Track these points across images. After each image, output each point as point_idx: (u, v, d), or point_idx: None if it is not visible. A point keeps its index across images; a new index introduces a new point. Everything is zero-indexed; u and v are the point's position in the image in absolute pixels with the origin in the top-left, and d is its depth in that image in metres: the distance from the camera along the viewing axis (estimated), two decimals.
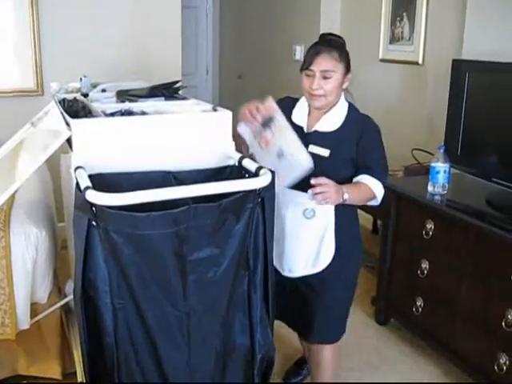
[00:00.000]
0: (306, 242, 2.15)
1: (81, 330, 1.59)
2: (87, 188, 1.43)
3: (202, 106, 2.10)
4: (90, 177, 1.54)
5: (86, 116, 1.93)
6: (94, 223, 1.47)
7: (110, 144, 1.72)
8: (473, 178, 2.92)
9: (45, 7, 3.83)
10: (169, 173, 1.75)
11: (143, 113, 1.94)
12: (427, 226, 2.78)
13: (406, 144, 3.64)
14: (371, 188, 2.11)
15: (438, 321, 2.79)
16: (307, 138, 2.13)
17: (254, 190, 1.59)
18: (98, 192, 1.41)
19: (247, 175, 1.72)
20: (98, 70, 3.38)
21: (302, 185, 1.97)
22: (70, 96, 2.34)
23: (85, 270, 1.53)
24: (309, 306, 2.23)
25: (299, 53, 4.93)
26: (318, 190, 1.90)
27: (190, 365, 1.62)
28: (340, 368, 2.58)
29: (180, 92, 2.31)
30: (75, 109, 2.07)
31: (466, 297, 2.62)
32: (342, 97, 2.20)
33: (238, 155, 1.77)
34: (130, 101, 2.18)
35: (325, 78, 2.08)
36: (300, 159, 1.97)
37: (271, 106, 2.03)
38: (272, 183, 1.63)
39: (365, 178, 2.11)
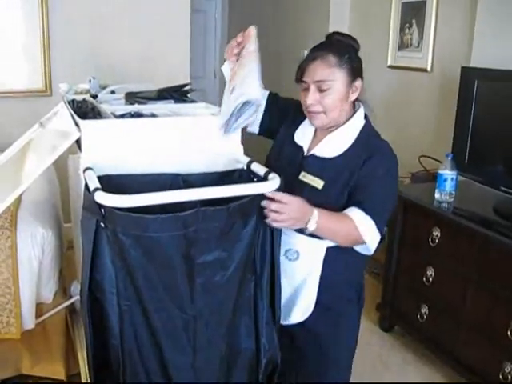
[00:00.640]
0: (283, 287, 1.72)
1: (86, 331, 1.59)
2: (96, 189, 1.43)
3: (211, 109, 2.10)
4: (99, 178, 1.54)
5: (95, 117, 1.93)
6: (102, 224, 1.47)
7: (120, 146, 1.71)
8: (480, 186, 2.91)
9: (54, 8, 3.86)
10: (178, 175, 1.75)
11: (153, 115, 1.94)
12: (433, 233, 2.77)
13: (413, 151, 3.63)
14: (356, 224, 1.65)
15: (443, 328, 2.78)
16: (302, 162, 1.80)
17: (262, 194, 1.59)
18: (108, 193, 1.41)
19: (256, 179, 1.72)
20: (106, 72, 3.39)
21: None
22: (79, 97, 2.35)
23: (92, 271, 1.53)
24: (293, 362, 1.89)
25: None
26: (272, 206, 1.54)
27: (195, 368, 1.62)
28: None
29: (189, 95, 2.31)
30: (84, 110, 2.08)
31: (470, 305, 2.61)
32: (359, 112, 1.80)
33: (247, 159, 1.76)
34: (140, 103, 2.18)
35: (321, 90, 1.71)
36: (244, 89, 1.62)
37: (249, 34, 1.73)
38: (280, 187, 1.62)
39: (351, 211, 1.68)
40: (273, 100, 2.00)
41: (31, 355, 2.42)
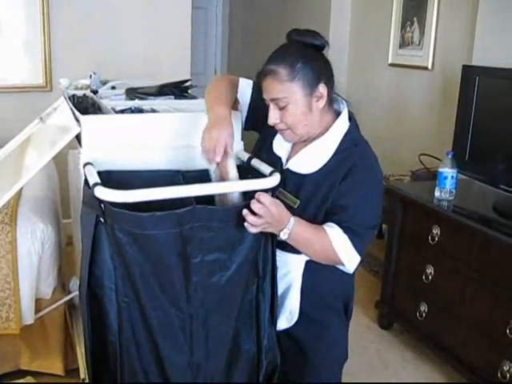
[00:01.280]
0: None
1: (85, 326, 1.58)
2: (96, 184, 1.42)
3: None
4: (99, 173, 1.54)
5: (95, 112, 1.93)
6: (101, 220, 1.47)
7: (120, 141, 1.71)
8: (480, 184, 2.91)
9: (55, 3, 3.85)
10: (178, 172, 1.74)
11: (153, 111, 1.94)
12: (433, 231, 2.77)
13: (413, 149, 3.63)
14: (330, 240, 1.53)
15: (442, 327, 2.78)
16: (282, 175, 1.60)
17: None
18: (107, 189, 1.41)
19: (250, 176, 1.71)
20: (106, 68, 3.38)
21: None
22: (79, 92, 2.35)
23: (91, 266, 1.53)
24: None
25: None
26: (255, 207, 1.41)
27: (192, 367, 1.61)
28: None
29: (189, 91, 2.31)
30: (85, 105, 2.08)
31: (470, 303, 2.61)
32: (342, 115, 1.63)
33: (247, 155, 1.76)
34: (140, 98, 2.18)
35: (280, 108, 1.56)
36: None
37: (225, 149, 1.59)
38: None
39: (329, 226, 1.55)
40: (257, 95, 1.76)
41: (30, 350, 2.43)
